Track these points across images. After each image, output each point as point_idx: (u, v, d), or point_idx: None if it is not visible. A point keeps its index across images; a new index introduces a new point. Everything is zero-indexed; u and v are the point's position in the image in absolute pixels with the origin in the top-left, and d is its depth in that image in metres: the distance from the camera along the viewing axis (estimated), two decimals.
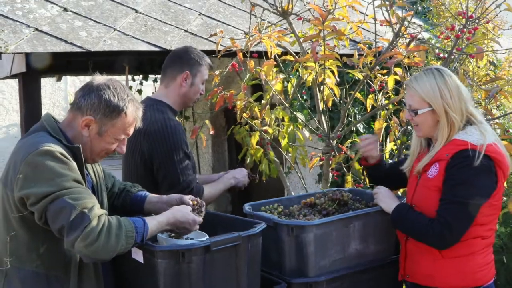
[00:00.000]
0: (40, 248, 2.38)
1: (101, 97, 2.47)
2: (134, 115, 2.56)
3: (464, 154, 2.64)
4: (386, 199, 2.92)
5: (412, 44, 3.88)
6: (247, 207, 3.10)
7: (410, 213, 2.78)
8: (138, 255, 2.49)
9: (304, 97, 5.98)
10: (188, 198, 2.76)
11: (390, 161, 4.35)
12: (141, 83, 8.19)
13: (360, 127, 6.37)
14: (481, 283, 2.75)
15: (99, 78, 2.55)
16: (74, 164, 2.36)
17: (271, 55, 4.07)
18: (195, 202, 2.72)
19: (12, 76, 5.62)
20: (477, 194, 2.63)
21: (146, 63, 7.36)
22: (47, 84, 10.30)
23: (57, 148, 2.32)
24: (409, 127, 4.03)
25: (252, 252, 2.57)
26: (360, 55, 4.04)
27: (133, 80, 8.34)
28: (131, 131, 2.58)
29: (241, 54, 4.14)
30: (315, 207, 3.12)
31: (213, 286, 2.46)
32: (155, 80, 8.35)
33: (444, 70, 2.81)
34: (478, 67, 6.36)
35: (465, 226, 2.65)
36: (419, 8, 8.08)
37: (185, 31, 5.42)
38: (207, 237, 2.65)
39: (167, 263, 2.36)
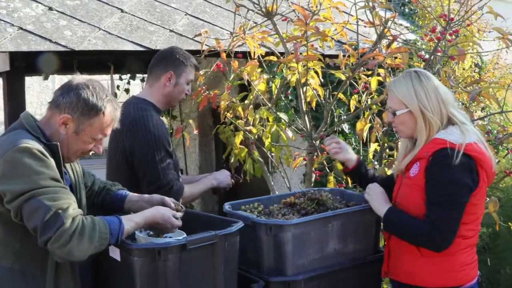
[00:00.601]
0: (15, 244, 2.39)
1: (79, 96, 2.47)
2: (112, 115, 2.55)
3: (443, 153, 2.66)
4: (378, 199, 2.91)
5: (394, 45, 3.92)
6: (227, 206, 3.10)
7: (402, 216, 2.78)
8: (115, 253, 2.50)
9: (289, 97, 6.00)
10: (170, 200, 2.77)
11: (376, 163, 4.38)
12: (128, 83, 8.18)
13: (346, 127, 6.39)
14: (461, 283, 2.76)
15: (79, 78, 2.56)
16: (52, 162, 2.36)
17: (254, 56, 4.09)
18: (178, 207, 2.73)
19: None
20: (459, 193, 2.65)
21: (133, 62, 7.36)
22: (35, 82, 10.28)
23: (35, 146, 2.33)
24: (390, 128, 4.05)
25: (229, 250, 2.59)
26: (345, 56, 4.07)
27: (121, 79, 8.32)
28: (108, 131, 2.58)
29: (224, 54, 4.16)
30: (294, 206, 3.13)
31: (189, 284, 2.47)
32: (142, 80, 8.34)
33: (422, 72, 2.85)
34: (464, 69, 6.41)
35: (453, 224, 2.66)
36: (406, 10, 8.11)
37: (171, 31, 5.43)
38: (185, 235, 2.66)
39: (143, 261, 2.37)
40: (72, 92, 2.48)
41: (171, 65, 3.49)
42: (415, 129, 2.82)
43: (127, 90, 8.45)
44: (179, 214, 2.66)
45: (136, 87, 8.75)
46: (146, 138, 3.30)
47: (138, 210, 2.69)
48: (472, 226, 2.77)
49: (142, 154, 3.31)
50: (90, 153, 2.61)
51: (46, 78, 8.20)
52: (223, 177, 3.68)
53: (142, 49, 4.98)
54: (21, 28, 4.71)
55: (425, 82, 2.79)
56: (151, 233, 2.70)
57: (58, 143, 2.44)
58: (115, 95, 8.55)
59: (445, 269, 2.74)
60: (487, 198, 3.43)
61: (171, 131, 7.29)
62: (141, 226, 2.52)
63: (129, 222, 2.45)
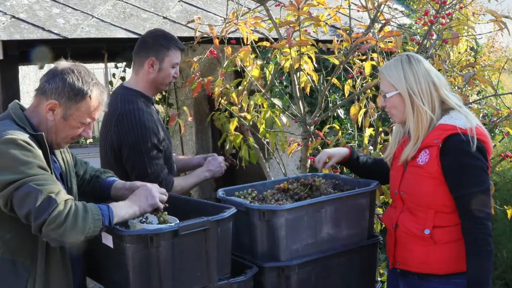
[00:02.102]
0: (6, 234, 2.39)
1: (65, 81, 2.46)
2: (99, 98, 2.55)
3: (457, 139, 2.65)
4: None
5: (387, 29, 3.90)
6: (220, 192, 3.10)
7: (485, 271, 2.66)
8: (108, 240, 2.50)
9: (284, 83, 5.99)
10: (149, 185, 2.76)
11: (371, 148, 4.38)
12: (124, 71, 8.17)
13: (341, 112, 6.39)
14: None
15: (64, 63, 2.55)
16: (39, 152, 2.36)
17: (247, 41, 4.07)
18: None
19: None
20: (486, 175, 2.66)
21: (128, 50, 7.34)
22: (31, 72, 10.27)
23: (20, 136, 2.32)
24: (385, 113, 4.05)
25: (221, 236, 2.58)
26: (339, 41, 4.06)
27: (116, 67, 8.32)
28: (96, 115, 2.57)
29: (217, 41, 4.14)
30: (288, 192, 3.13)
31: (182, 270, 2.48)
32: None
33: (414, 56, 2.84)
34: (459, 53, 6.40)
35: (489, 209, 2.68)
36: None
37: (164, 17, 5.42)
38: (178, 221, 2.67)
39: (135, 247, 2.37)
40: (58, 78, 2.48)
41: (152, 51, 3.43)
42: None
43: (123, 78, 8.44)
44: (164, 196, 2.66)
45: None
46: (133, 133, 3.29)
47: (122, 198, 2.69)
48: None
49: (129, 149, 3.30)
50: (82, 139, 2.61)
51: (41, 67, 8.21)
52: (215, 166, 3.65)
53: (135, 36, 4.97)
54: (14, 17, 4.70)
55: (415, 65, 2.78)
56: (144, 219, 2.69)
57: (43, 133, 2.44)
58: (111, 83, 8.56)
59: (457, 254, 2.70)
60: None
61: (167, 118, 7.28)
62: (134, 207, 2.52)
63: (118, 206, 2.46)
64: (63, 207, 2.25)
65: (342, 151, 3.22)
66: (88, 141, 11.04)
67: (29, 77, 10.17)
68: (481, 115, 4.19)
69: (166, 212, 2.69)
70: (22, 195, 2.25)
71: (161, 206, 2.63)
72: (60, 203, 2.25)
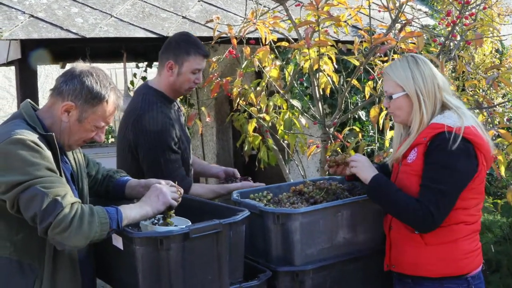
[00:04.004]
0: (13, 236, 2.36)
1: (83, 83, 2.43)
2: (115, 103, 2.52)
3: (441, 137, 2.63)
4: (366, 168, 2.84)
5: (409, 29, 3.83)
6: (235, 194, 3.06)
7: (390, 186, 2.75)
8: (118, 241, 2.46)
9: (305, 84, 5.93)
10: (164, 182, 2.72)
11: (391, 151, 4.30)
12: (145, 71, 8.16)
13: (362, 115, 6.31)
14: (467, 271, 2.71)
15: (81, 65, 2.52)
16: (48, 153, 2.32)
17: (265, 42, 4.03)
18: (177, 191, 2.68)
19: (8, 63, 5.61)
20: (456, 179, 2.62)
21: (148, 50, 7.34)
22: (54, 71, 10.33)
23: (29, 137, 2.29)
24: None
25: (234, 239, 2.53)
26: (361, 42, 4.00)
27: (137, 67, 8.32)
28: (111, 119, 2.55)
29: (235, 41, 4.10)
30: (304, 195, 3.07)
31: (193, 273, 2.43)
32: None
33: (419, 56, 2.83)
34: (484, 55, 6.29)
35: (446, 212, 2.63)
36: None
37: (183, 17, 5.38)
38: (189, 223, 2.62)
39: (145, 249, 2.33)
40: (76, 79, 2.45)
41: (172, 54, 3.39)
42: (411, 114, 2.78)
43: (143, 78, 8.44)
44: (176, 194, 2.61)
45: (153, 75, 8.73)
46: (150, 135, 3.26)
47: (137, 196, 2.67)
48: (473, 211, 2.73)
49: (145, 150, 3.28)
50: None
51: (63, 66, 8.23)
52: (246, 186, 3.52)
53: (154, 36, 4.94)
54: (32, 16, 4.69)
55: (422, 65, 2.77)
56: (155, 221, 2.65)
57: (54, 134, 2.40)
58: (132, 83, 8.57)
59: (449, 257, 2.69)
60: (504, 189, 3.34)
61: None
62: (146, 208, 2.47)
63: (128, 208, 2.42)
64: (68, 210, 2.22)
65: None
66: (109, 141, 11.12)
67: (52, 76, 10.22)
68: (505, 118, 4.09)
69: (173, 212, 2.64)
70: (28, 197, 2.22)
71: (174, 203, 2.58)
72: (66, 207, 2.22)
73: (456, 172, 2.61)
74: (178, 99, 3.64)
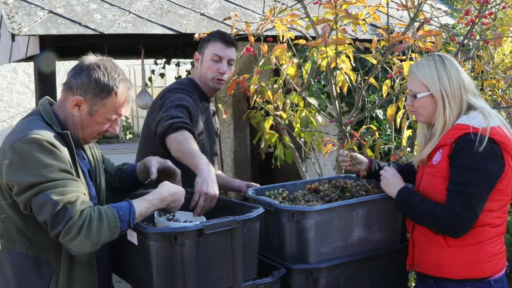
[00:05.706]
0: (29, 231, 2.37)
1: (90, 77, 2.42)
2: (125, 95, 2.50)
3: (466, 138, 2.59)
4: (391, 185, 2.85)
5: (427, 28, 3.80)
6: (250, 191, 3.06)
7: (415, 199, 2.73)
8: (133, 237, 2.47)
9: (322, 82, 5.91)
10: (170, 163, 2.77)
11: (408, 149, 4.27)
12: (163, 67, 8.19)
13: (380, 113, 6.28)
14: (489, 274, 2.68)
15: (90, 58, 2.51)
16: (63, 153, 2.32)
17: (283, 39, 4.02)
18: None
19: (28, 59, 5.65)
20: (484, 181, 2.58)
21: (167, 46, 7.35)
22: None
23: (45, 136, 2.29)
24: None
25: (248, 236, 2.53)
26: (378, 40, 3.98)
27: (156, 64, 8.34)
28: (123, 111, 2.54)
29: (252, 38, 4.09)
30: (319, 193, 3.07)
31: (207, 269, 2.44)
32: (177, 64, 8.34)
33: (446, 56, 2.78)
34: (504, 55, 6.22)
35: (475, 214, 2.60)
36: None
37: (202, 14, 5.39)
38: (204, 220, 2.63)
39: (159, 245, 2.34)
40: (83, 73, 2.44)
41: (198, 47, 3.45)
42: (435, 114, 2.75)
43: (162, 75, 8.48)
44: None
45: (172, 71, 8.76)
46: (164, 97, 3.25)
47: (149, 177, 2.71)
48: (499, 213, 2.69)
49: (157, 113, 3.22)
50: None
51: None
52: None
53: (172, 32, 4.96)
54: (51, 12, 4.72)
55: (448, 66, 2.72)
56: (171, 217, 2.66)
57: (68, 132, 2.41)
58: (150, 79, 8.59)
59: (472, 259, 2.66)
60: None
61: None
62: (157, 204, 2.46)
63: (141, 202, 2.40)
64: (77, 218, 2.21)
65: (364, 161, 3.13)
66: (127, 137, 11.15)
67: None
68: None
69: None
70: (39, 203, 2.23)
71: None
72: (75, 215, 2.21)
73: (483, 173, 2.57)
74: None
